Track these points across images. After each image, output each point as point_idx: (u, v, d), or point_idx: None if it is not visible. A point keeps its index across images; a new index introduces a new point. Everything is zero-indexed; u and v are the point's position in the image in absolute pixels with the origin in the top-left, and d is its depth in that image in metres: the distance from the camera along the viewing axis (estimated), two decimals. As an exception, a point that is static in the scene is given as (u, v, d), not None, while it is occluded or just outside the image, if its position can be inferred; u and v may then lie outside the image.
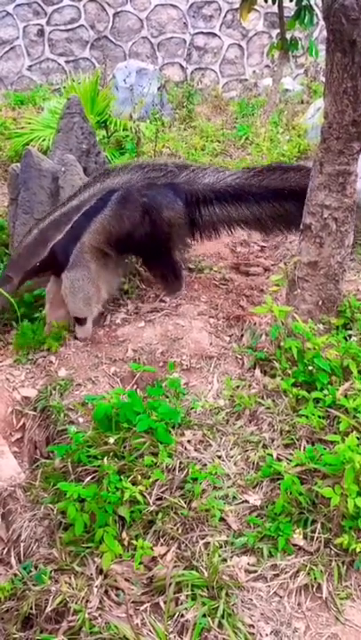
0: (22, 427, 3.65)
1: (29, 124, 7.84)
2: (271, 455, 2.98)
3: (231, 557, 2.62)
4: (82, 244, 4.01)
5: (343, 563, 2.58)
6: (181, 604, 2.42)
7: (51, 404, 3.55)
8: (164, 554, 2.63)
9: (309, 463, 2.82)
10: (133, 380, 3.75)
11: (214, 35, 11.17)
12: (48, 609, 2.43)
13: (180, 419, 3.21)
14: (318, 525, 2.66)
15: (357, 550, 2.57)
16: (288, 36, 7.75)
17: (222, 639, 2.30)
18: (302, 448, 3.00)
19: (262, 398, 3.35)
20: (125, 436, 3.03)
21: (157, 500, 2.81)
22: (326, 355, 3.32)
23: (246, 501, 2.84)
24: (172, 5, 10.91)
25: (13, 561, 2.76)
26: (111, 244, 4.13)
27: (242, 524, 2.76)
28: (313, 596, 2.50)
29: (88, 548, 2.66)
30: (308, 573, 2.54)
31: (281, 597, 2.50)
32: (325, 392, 3.16)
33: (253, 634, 2.35)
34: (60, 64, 11.05)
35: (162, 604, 2.45)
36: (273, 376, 3.47)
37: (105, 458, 2.91)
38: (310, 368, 3.29)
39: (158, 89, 8.88)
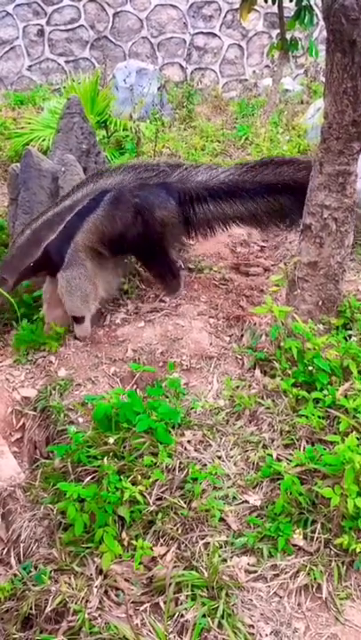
0: (22, 427, 3.65)
1: (29, 124, 7.84)
2: (271, 455, 2.98)
3: (231, 557, 2.62)
4: (75, 244, 4.01)
5: (343, 563, 2.58)
6: (181, 604, 2.42)
7: (50, 404, 3.55)
8: (164, 554, 2.63)
9: (309, 463, 2.82)
10: (133, 380, 3.75)
11: (214, 35, 11.17)
12: (48, 609, 2.43)
13: (179, 419, 3.21)
14: (318, 526, 2.66)
15: (357, 550, 2.57)
16: (288, 36, 7.75)
17: (222, 639, 2.30)
18: (302, 448, 3.00)
19: (262, 398, 3.35)
20: (125, 436, 3.03)
21: (157, 500, 2.81)
22: (326, 355, 3.32)
23: (246, 501, 2.84)
24: (171, 5, 10.91)
25: (13, 561, 2.76)
26: (105, 244, 4.13)
27: (242, 524, 2.76)
28: (313, 596, 2.50)
29: (88, 548, 2.66)
30: (308, 574, 2.54)
31: (281, 597, 2.50)
32: (325, 392, 3.16)
33: (253, 634, 2.35)
34: (59, 64, 11.05)
35: (162, 604, 2.45)
36: (273, 376, 3.47)
37: (105, 458, 2.91)
38: (310, 368, 3.29)
39: (158, 89, 8.88)
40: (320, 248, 3.60)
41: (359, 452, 2.62)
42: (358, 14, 3.01)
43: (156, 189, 4.22)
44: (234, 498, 2.86)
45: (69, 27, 10.88)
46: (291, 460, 2.89)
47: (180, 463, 2.97)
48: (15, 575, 2.66)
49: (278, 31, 8.44)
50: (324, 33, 3.34)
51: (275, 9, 7.65)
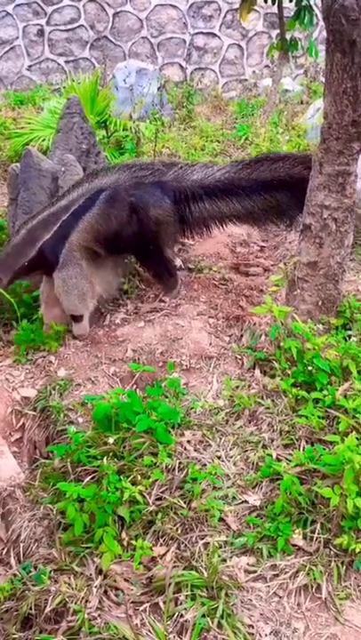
0: (22, 427, 3.65)
1: (29, 124, 7.84)
2: (271, 455, 2.98)
3: (231, 557, 2.62)
4: (70, 244, 4.01)
5: (343, 563, 2.58)
6: (181, 604, 2.42)
7: (50, 404, 3.55)
8: (164, 554, 2.63)
9: (309, 463, 2.82)
10: (133, 380, 3.75)
11: (214, 35, 11.17)
12: (47, 609, 2.43)
13: (179, 419, 3.21)
14: (318, 526, 2.66)
15: (357, 550, 2.57)
16: (288, 36, 7.75)
17: (222, 639, 2.30)
18: (302, 448, 3.00)
19: (262, 398, 3.35)
20: (125, 436, 3.03)
21: (157, 500, 2.81)
22: (326, 355, 3.32)
23: (246, 501, 2.84)
24: (171, 5, 10.91)
25: (13, 561, 2.76)
26: (100, 243, 4.13)
27: (241, 524, 2.76)
28: (312, 596, 2.50)
29: (87, 548, 2.66)
30: (308, 574, 2.54)
31: (280, 598, 2.50)
32: (325, 392, 3.16)
33: (253, 634, 2.35)
34: (59, 64, 11.05)
35: (161, 604, 2.45)
36: (273, 376, 3.47)
37: (104, 458, 2.91)
38: (310, 368, 3.29)
39: (158, 89, 8.88)
40: (320, 248, 3.61)
41: (359, 452, 2.62)
42: (358, 14, 3.01)
43: (151, 188, 4.23)
44: (233, 498, 2.86)
45: (69, 27, 10.88)
46: (290, 460, 2.89)
47: (180, 463, 2.97)
48: (15, 575, 2.66)
49: (278, 31, 8.43)
50: (324, 33, 3.34)
51: (275, 9, 7.65)
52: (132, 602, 2.48)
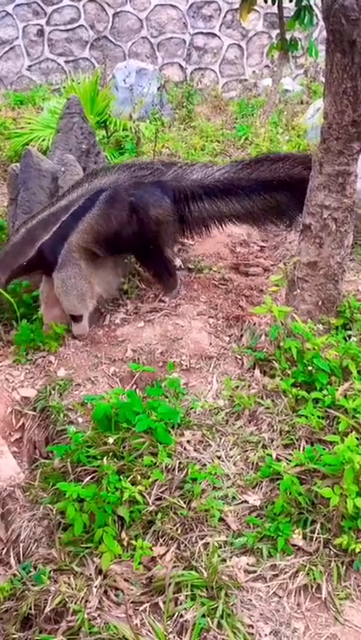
0: (22, 427, 3.65)
1: (29, 124, 7.84)
2: (271, 455, 2.98)
3: (230, 557, 2.62)
4: (69, 244, 4.01)
5: (343, 563, 2.58)
6: (181, 604, 2.42)
7: (50, 405, 3.55)
8: (164, 554, 2.63)
9: (309, 463, 2.82)
10: (133, 380, 3.75)
11: (214, 35, 11.17)
12: (47, 609, 2.43)
13: (179, 419, 3.21)
14: (318, 526, 2.66)
15: (357, 550, 2.57)
16: (288, 36, 7.75)
17: (221, 639, 2.30)
18: (302, 448, 3.00)
19: (262, 398, 3.35)
20: (125, 436, 3.03)
21: (157, 500, 2.81)
22: (326, 355, 3.32)
23: (246, 501, 2.84)
24: (171, 5, 10.91)
25: (13, 561, 2.76)
26: (100, 244, 4.13)
27: (241, 524, 2.76)
28: (312, 596, 2.50)
29: (87, 548, 2.66)
30: (308, 574, 2.54)
31: (280, 598, 2.50)
32: (325, 392, 3.16)
33: (253, 634, 2.35)
34: (59, 64, 11.05)
35: (161, 604, 2.45)
36: (272, 376, 3.47)
37: (104, 458, 2.91)
38: (310, 368, 3.29)
39: (158, 89, 8.88)
40: (320, 248, 3.60)
41: (359, 452, 2.62)
42: (358, 14, 3.01)
43: (150, 188, 4.23)
44: (233, 498, 2.86)
45: (69, 27, 10.88)
46: (290, 460, 2.89)
47: (180, 463, 2.97)
48: (15, 575, 2.66)
49: (278, 31, 8.43)
50: (324, 33, 3.34)
51: (275, 9, 7.65)
52: (131, 602, 2.48)
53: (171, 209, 4.26)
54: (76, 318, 4.17)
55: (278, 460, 2.96)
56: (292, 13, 7.35)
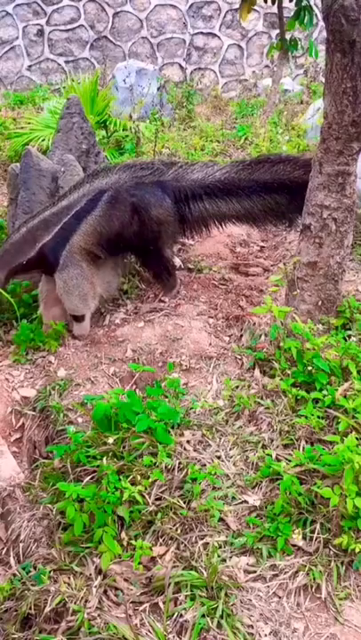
0: (21, 427, 3.65)
1: (29, 123, 7.84)
2: (270, 455, 2.98)
3: (230, 558, 2.62)
4: (72, 245, 4.01)
5: (342, 563, 2.58)
6: (180, 604, 2.42)
7: (50, 405, 3.55)
8: (164, 554, 2.63)
9: (309, 463, 2.82)
10: (133, 380, 3.75)
11: (214, 35, 11.17)
12: (47, 609, 2.43)
13: (179, 419, 3.21)
14: (317, 526, 2.66)
15: (356, 550, 2.57)
16: (288, 36, 7.75)
17: (221, 639, 2.30)
18: (301, 448, 3.00)
19: (261, 398, 3.35)
20: (124, 436, 3.03)
21: (156, 500, 2.81)
22: (326, 355, 3.32)
23: (245, 502, 2.84)
24: (171, 5, 10.91)
25: (12, 561, 2.76)
26: (102, 245, 4.12)
27: (241, 524, 2.76)
28: (312, 596, 2.50)
29: (87, 548, 2.66)
30: (308, 574, 2.54)
31: (280, 598, 2.50)
32: (325, 392, 3.16)
33: (252, 634, 2.35)
34: (59, 64, 11.05)
35: (161, 604, 2.45)
36: (272, 376, 3.47)
37: (104, 458, 2.91)
38: (310, 368, 3.29)
39: (158, 89, 8.89)
40: (319, 248, 3.61)
41: (358, 453, 2.62)
42: (358, 14, 3.01)
43: (151, 188, 4.23)
44: (233, 498, 2.86)
45: (69, 27, 10.88)
46: (290, 460, 2.89)
47: (180, 463, 2.97)
48: (14, 575, 2.66)
49: (278, 31, 8.43)
50: (324, 33, 3.34)
51: (274, 9, 7.64)
52: (131, 602, 2.48)
53: (171, 209, 4.26)
54: (78, 318, 4.17)
55: (278, 460, 2.96)
56: (292, 13, 7.34)
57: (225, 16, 11.05)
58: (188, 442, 3.13)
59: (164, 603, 2.43)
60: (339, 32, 3.08)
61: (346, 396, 3.12)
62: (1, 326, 4.34)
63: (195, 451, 3.09)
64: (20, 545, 2.79)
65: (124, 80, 8.71)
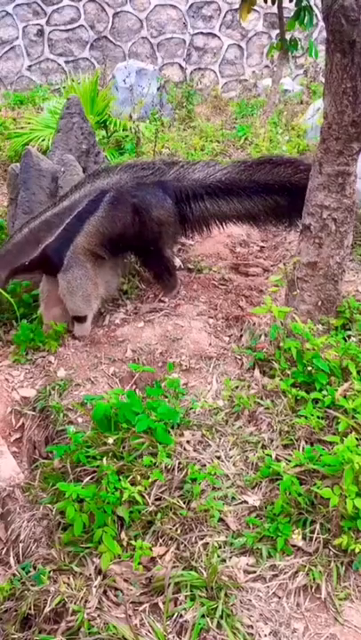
0: (21, 427, 3.65)
1: (29, 123, 7.84)
2: (270, 456, 2.98)
3: (230, 558, 2.62)
4: (75, 246, 4.01)
5: (342, 563, 2.58)
6: (180, 604, 2.42)
7: (50, 405, 3.55)
8: (163, 554, 2.63)
9: (308, 464, 2.82)
10: (132, 380, 3.75)
11: (214, 35, 11.17)
12: (47, 609, 2.43)
13: (179, 419, 3.21)
14: (317, 526, 2.66)
15: (356, 551, 2.57)
16: (288, 36, 7.75)
17: (221, 639, 2.30)
18: (301, 449, 3.00)
19: (261, 399, 3.35)
20: (124, 437, 3.03)
21: (156, 500, 2.81)
22: (325, 355, 3.32)
23: (245, 502, 2.84)
24: (171, 6, 10.91)
25: (12, 561, 2.76)
26: (104, 246, 4.12)
27: (241, 524, 2.76)
28: (312, 596, 2.50)
29: (87, 548, 2.66)
30: (307, 574, 2.54)
31: (280, 598, 2.50)
32: (324, 393, 3.16)
33: (252, 634, 2.35)
34: (59, 64, 11.05)
35: (161, 604, 2.45)
36: (272, 376, 3.47)
37: (104, 458, 2.91)
38: (309, 368, 3.29)
39: (158, 89, 8.89)
40: (319, 248, 3.61)
41: (358, 453, 2.62)
42: (358, 15, 3.01)
43: (153, 189, 4.23)
44: (233, 498, 2.86)
45: (69, 27, 10.88)
46: (290, 461, 2.89)
47: (180, 463, 2.97)
48: (14, 575, 2.66)
49: (278, 31, 8.43)
50: (324, 33, 3.34)
51: (274, 9, 7.64)
52: (131, 602, 2.48)
53: (172, 210, 4.27)
54: (80, 319, 4.17)
55: (278, 460, 2.96)
56: (292, 13, 7.35)
57: (225, 16, 11.05)
58: (187, 442, 3.13)
59: (163, 603, 2.43)
60: (339, 32, 3.08)
61: (346, 396, 3.13)
62: (1, 326, 4.34)
63: (195, 451, 3.09)
64: (20, 545, 2.79)
65: (124, 80, 8.71)
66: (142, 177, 4.25)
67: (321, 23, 9.86)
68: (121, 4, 10.83)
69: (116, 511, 2.71)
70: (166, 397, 3.41)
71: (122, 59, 10.81)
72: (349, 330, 3.73)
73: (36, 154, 4.63)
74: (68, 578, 2.54)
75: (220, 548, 2.64)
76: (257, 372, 3.60)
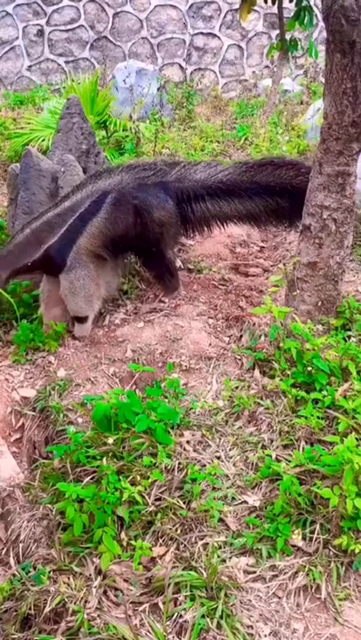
0: (21, 427, 3.65)
1: (29, 124, 7.84)
2: (270, 456, 2.98)
3: (230, 558, 2.62)
4: (78, 247, 4.01)
5: (342, 563, 2.58)
6: (180, 604, 2.42)
7: (50, 405, 3.55)
8: (163, 554, 2.63)
9: (308, 464, 2.82)
10: (132, 380, 3.75)
11: (214, 35, 11.17)
12: (47, 609, 2.43)
13: (179, 419, 3.21)
14: (317, 526, 2.66)
15: (356, 551, 2.57)
16: (288, 36, 7.75)
17: (221, 640, 2.30)
18: (301, 449, 3.00)
19: (261, 399, 3.35)
20: (124, 437, 3.03)
21: (156, 500, 2.81)
22: (325, 355, 3.32)
23: (245, 502, 2.84)
24: (171, 6, 10.92)
25: (12, 561, 2.76)
26: (107, 247, 4.13)
27: (241, 524, 2.76)
28: (312, 596, 2.50)
29: (87, 548, 2.66)
30: (307, 574, 2.54)
31: (280, 598, 2.50)
32: (324, 393, 3.16)
33: (252, 634, 2.35)
34: (59, 64, 11.05)
35: (160, 604, 2.45)
36: (272, 377, 3.47)
37: (104, 458, 2.91)
38: (309, 369, 3.29)
39: (158, 89, 8.89)
40: (319, 249, 3.61)
41: (358, 453, 2.62)
42: (358, 15, 3.01)
43: (154, 190, 4.23)
44: (233, 498, 2.86)
45: (69, 27, 10.88)
46: (290, 461, 2.89)
47: (180, 463, 2.97)
48: (14, 575, 2.66)
49: (278, 32, 8.44)
50: (324, 33, 3.34)
51: (275, 9, 7.65)
52: (131, 602, 2.48)
53: (174, 211, 4.26)
54: (81, 319, 4.17)
55: (278, 460, 2.96)
56: (292, 14, 7.35)
57: (225, 16, 11.05)
58: (187, 442, 3.13)
59: (163, 603, 2.43)
60: (339, 32, 3.08)
61: (346, 396, 3.13)
62: (1, 326, 4.34)
63: (194, 451, 3.09)
64: (20, 545, 2.79)
65: (124, 80, 8.71)
66: (144, 178, 4.24)
67: (321, 23, 9.86)
68: (121, 4, 10.83)
69: (116, 511, 2.71)
70: (166, 397, 3.41)
71: (122, 59, 10.81)
72: (349, 330, 3.73)
73: (36, 154, 4.63)
74: (68, 578, 2.54)
75: (220, 548, 2.64)
76: (257, 373, 3.60)
